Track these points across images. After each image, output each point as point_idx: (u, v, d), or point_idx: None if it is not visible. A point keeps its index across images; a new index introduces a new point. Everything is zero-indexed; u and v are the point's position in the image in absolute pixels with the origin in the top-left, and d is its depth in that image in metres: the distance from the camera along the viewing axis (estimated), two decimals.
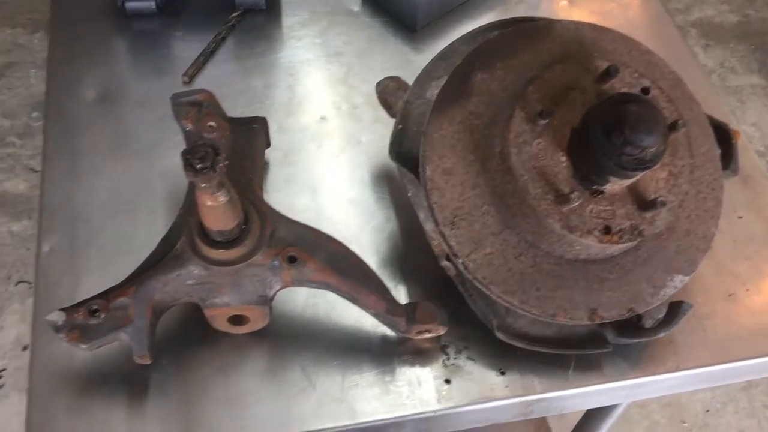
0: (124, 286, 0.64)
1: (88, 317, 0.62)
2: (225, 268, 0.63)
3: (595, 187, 0.64)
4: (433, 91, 0.75)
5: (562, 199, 0.63)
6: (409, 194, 0.72)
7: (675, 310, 0.70)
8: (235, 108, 0.83)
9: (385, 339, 0.72)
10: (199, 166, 0.53)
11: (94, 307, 0.62)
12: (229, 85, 0.90)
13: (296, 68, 0.93)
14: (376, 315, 0.67)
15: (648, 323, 0.70)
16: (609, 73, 0.66)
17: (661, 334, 0.69)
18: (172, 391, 0.67)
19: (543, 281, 0.67)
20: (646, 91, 0.68)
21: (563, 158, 0.65)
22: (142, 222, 0.77)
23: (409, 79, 0.81)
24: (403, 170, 0.72)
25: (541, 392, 0.70)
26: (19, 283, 1.89)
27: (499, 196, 0.68)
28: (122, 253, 0.75)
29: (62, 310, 0.62)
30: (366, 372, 0.70)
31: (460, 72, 0.72)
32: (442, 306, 0.70)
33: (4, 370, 1.69)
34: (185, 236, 0.64)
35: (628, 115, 0.59)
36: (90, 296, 0.64)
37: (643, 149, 0.59)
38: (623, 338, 0.71)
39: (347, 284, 0.65)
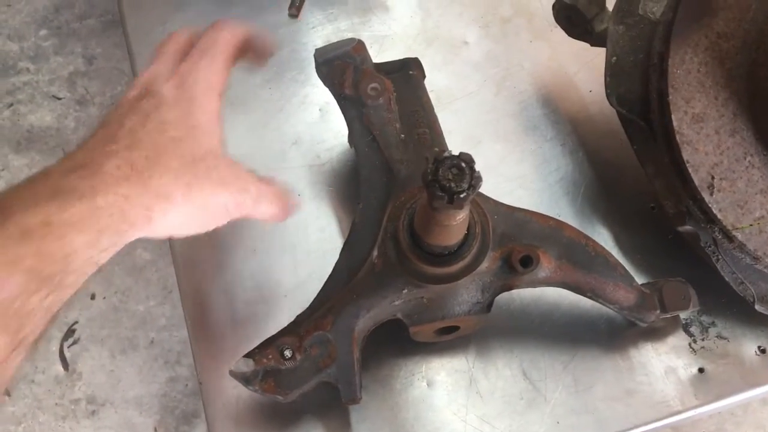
0: (317, 316, 0.50)
1: (280, 361, 0.49)
2: (444, 285, 0.49)
3: None
4: (647, 5, 0.57)
5: None
6: (634, 147, 0.57)
7: None
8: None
9: (610, 321, 0.59)
10: (457, 191, 0.38)
11: (286, 347, 0.49)
12: (345, 13, 0.72)
13: None
14: (620, 309, 0.54)
15: None
16: None
17: None
18: (377, 419, 0.56)
19: None
20: None
21: None
22: None
23: None
24: (627, 118, 0.56)
25: None
26: None
27: (767, 142, 0.53)
28: (273, 251, 0.61)
29: (247, 356, 0.50)
30: (600, 369, 0.58)
31: None
32: (671, 273, 0.57)
33: (76, 323, 1.60)
34: (382, 247, 0.50)
35: None
36: (274, 334, 0.51)
37: None
38: None
39: (591, 280, 0.52)
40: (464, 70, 0.70)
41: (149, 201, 0.41)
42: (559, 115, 0.67)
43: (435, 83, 0.69)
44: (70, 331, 1.59)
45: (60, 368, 1.56)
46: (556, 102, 0.68)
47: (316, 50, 0.56)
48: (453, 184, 0.38)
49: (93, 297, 1.63)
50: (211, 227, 0.46)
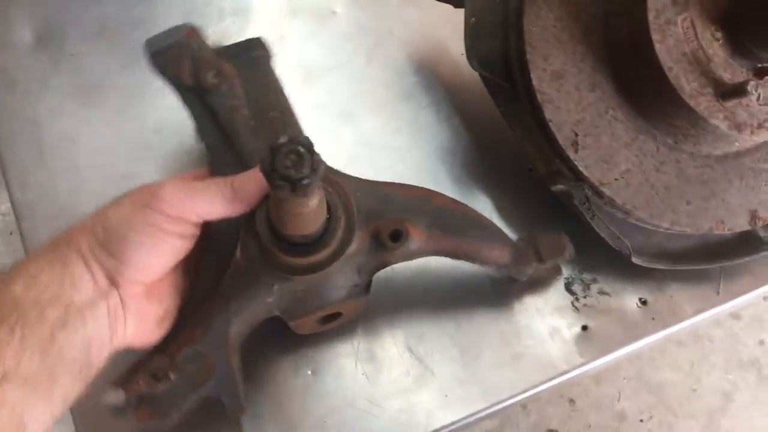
0: (186, 330, 0.47)
1: (153, 384, 0.46)
2: (315, 274, 0.47)
3: (762, 65, 0.49)
4: None
5: (728, 91, 0.48)
6: (501, 110, 0.56)
7: None
8: (211, 25, 0.64)
9: (493, 283, 0.58)
10: (297, 177, 0.35)
11: (157, 369, 0.46)
12: None
13: None
14: (498, 268, 0.53)
15: None
16: None
17: None
18: (265, 414, 0.54)
19: (693, 191, 0.54)
20: None
21: (718, 34, 0.49)
22: None
23: None
24: (490, 80, 0.55)
25: (693, 315, 0.58)
26: None
27: (627, 94, 0.52)
28: None
29: (116, 383, 0.46)
30: (486, 336, 0.57)
31: None
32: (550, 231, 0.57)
33: None
34: (245, 246, 0.47)
35: None
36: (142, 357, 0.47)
37: None
38: None
39: (464, 245, 0.50)
40: (334, 41, 0.67)
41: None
42: (432, 82, 0.66)
43: (303, 57, 0.66)
44: None
45: None
46: (430, 68, 0.66)
47: (147, 41, 0.51)
48: (293, 172, 0.35)
49: None
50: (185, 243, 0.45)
